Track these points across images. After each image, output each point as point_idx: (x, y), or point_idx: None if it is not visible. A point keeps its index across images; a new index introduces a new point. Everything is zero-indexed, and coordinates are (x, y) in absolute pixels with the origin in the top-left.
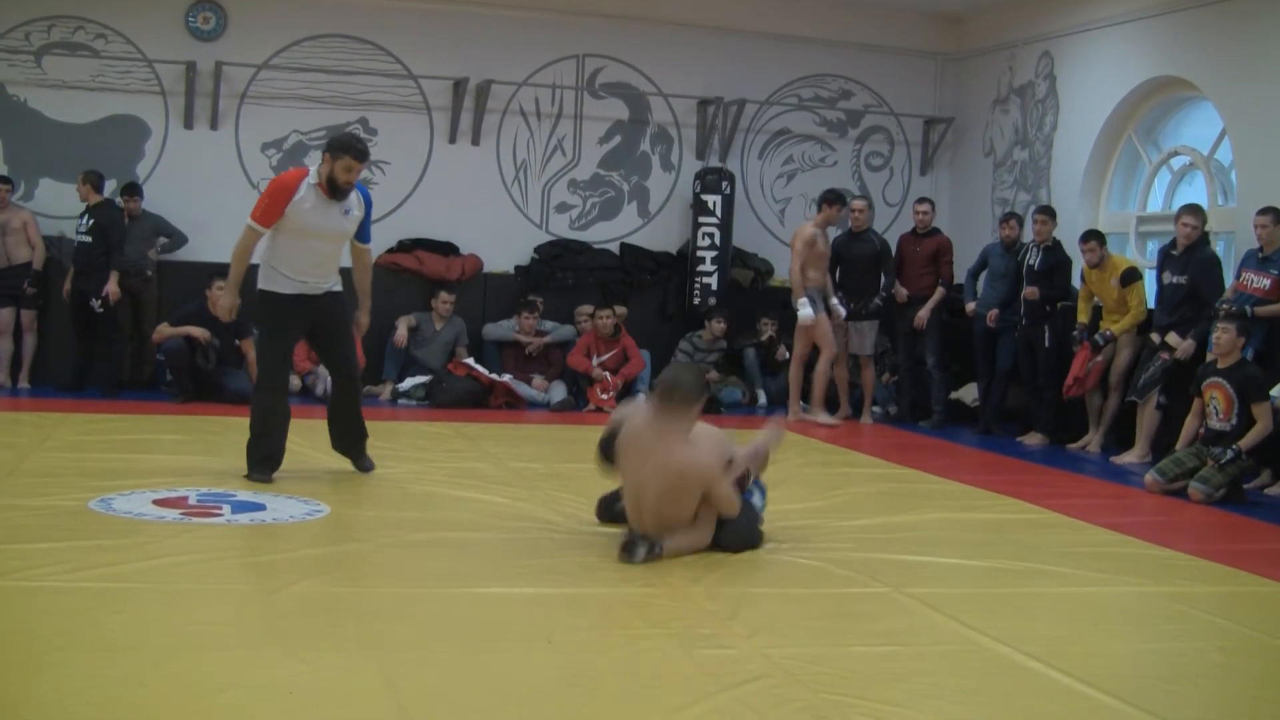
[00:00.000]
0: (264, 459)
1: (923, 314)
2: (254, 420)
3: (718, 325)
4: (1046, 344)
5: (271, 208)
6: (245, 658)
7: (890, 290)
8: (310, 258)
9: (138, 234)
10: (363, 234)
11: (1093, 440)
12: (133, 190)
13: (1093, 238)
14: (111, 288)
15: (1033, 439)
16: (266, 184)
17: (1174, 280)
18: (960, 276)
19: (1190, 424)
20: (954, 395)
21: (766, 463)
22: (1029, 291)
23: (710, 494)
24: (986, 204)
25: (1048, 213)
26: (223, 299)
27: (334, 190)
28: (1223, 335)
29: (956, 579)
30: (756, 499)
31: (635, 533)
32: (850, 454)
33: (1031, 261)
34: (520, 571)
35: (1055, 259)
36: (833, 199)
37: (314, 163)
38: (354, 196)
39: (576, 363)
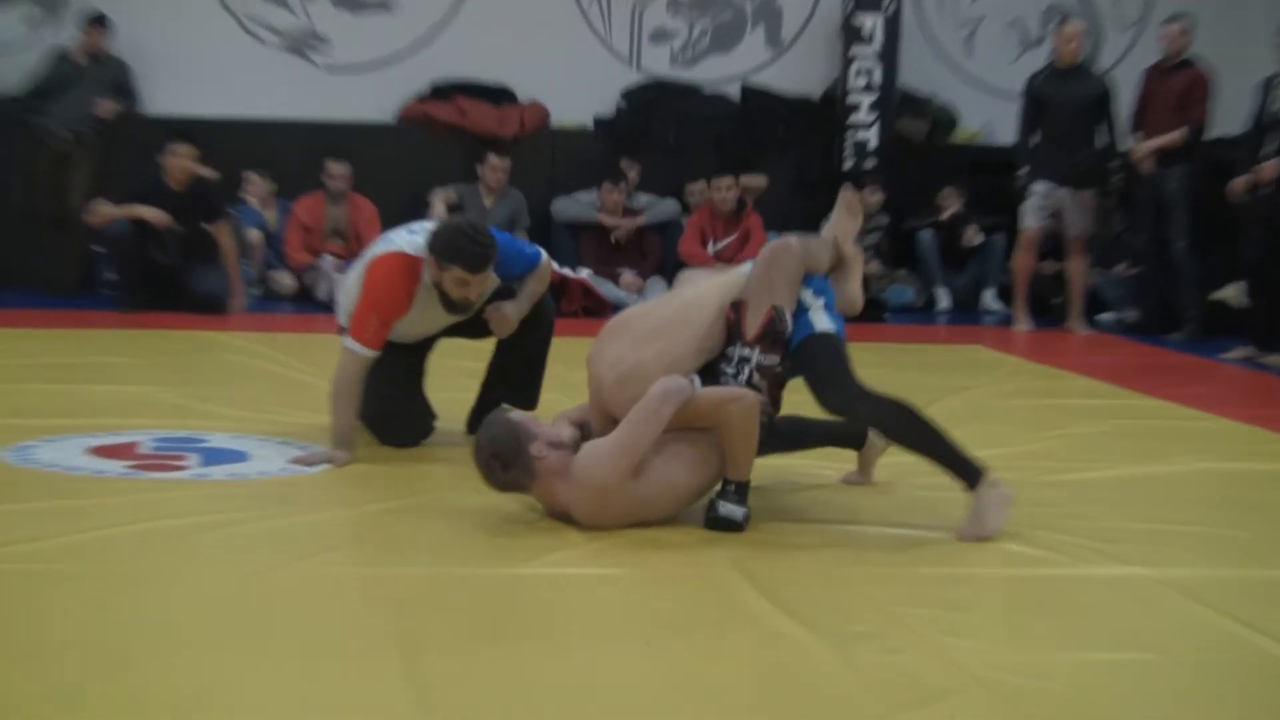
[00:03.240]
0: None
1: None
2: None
3: (874, 196)
4: None
5: (382, 328)
6: (221, 663)
7: (1113, 148)
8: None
9: (91, 83)
10: (515, 270)
11: None
12: (101, 23)
13: None
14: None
15: None
16: (364, 271)
17: None
18: (1227, 123)
19: None
20: (1215, 295)
21: (829, 263)
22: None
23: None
24: (1262, 20)
25: None
26: (334, 455)
27: (450, 305)
28: None
29: (1228, 558)
30: (821, 319)
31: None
32: (1068, 377)
33: None
34: (595, 540)
35: None
36: None
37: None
38: None
39: (687, 251)
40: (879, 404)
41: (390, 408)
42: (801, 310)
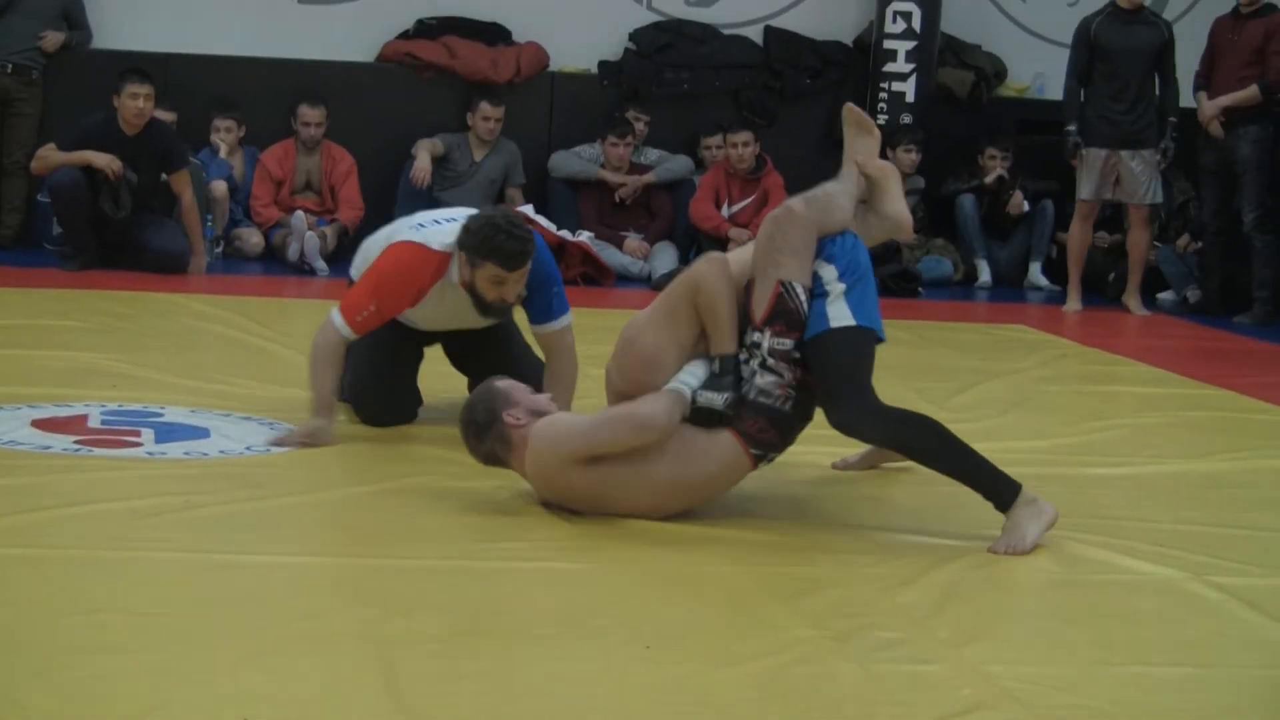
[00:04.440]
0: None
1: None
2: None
3: (908, 155)
4: None
5: (375, 317)
6: (177, 663)
7: (1175, 103)
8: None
9: (33, 8)
10: (540, 313)
11: None
12: None
13: None
14: None
15: None
16: (376, 254)
17: None
18: None
19: None
20: None
21: (853, 204)
22: None
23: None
24: None
25: None
26: (314, 427)
27: (483, 308)
28: None
29: None
30: (840, 310)
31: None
32: (1122, 362)
33: None
34: (591, 534)
35: None
36: None
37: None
38: None
39: (699, 213)
40: (893, 421)
41: (374, 380)
42: (819, 294)
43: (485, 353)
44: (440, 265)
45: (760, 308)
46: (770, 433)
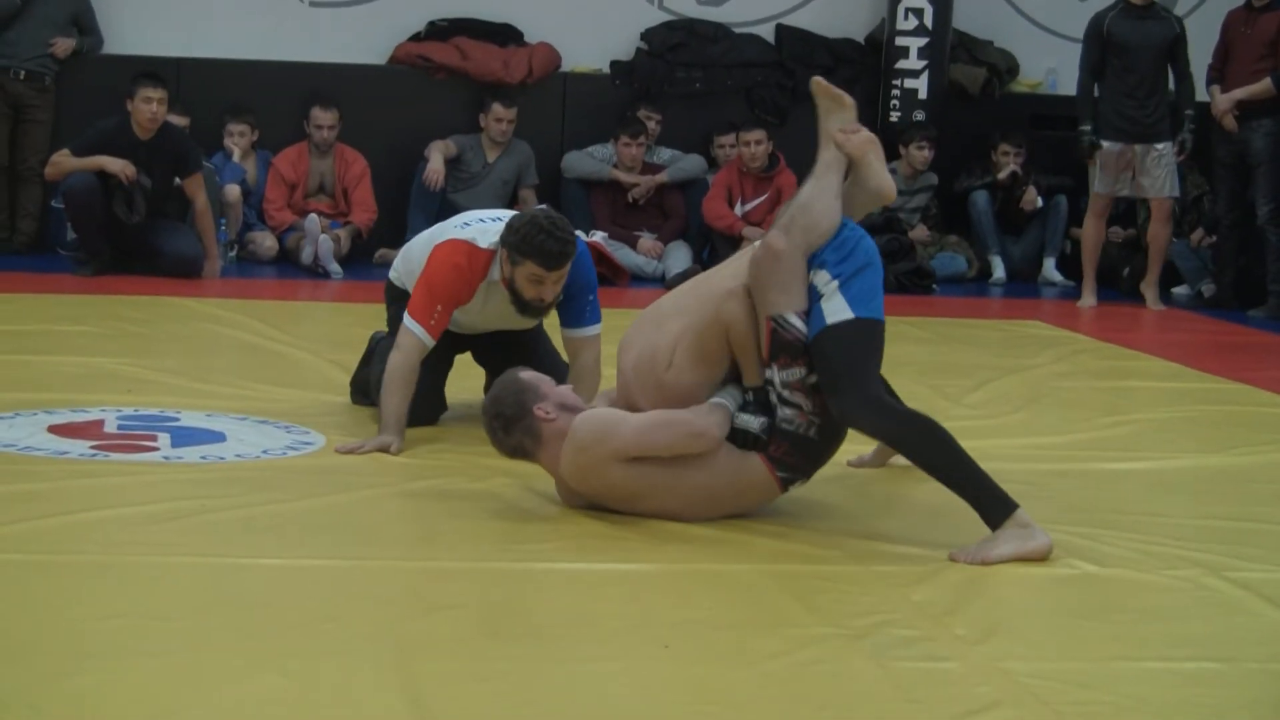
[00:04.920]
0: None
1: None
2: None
3: (920, 152)
4: None
5: (445, 315)
6: (194, 667)
7: (1190, 96)
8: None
9: (44, 16)
10: (573, 317)
11: None
12: None
13: None
14: None
15: None
16: (420, 255)
17: None
18: None
19: None
20: None
21: (836, 194)
22: None
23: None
24: None
25: None
26: (382, 442)
27: (521, 306)
28: None
29: None
30: (836, 306)
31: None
32: (1137, 357)
33: None
34: (608, 534)
35: None
36: None
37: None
38: None
39: (712, 212)
40: (890, 415)
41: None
42: (814, 299)
43: (513, 351)
44: (486, 262)
45: (763, 346)
46: (795, 457)
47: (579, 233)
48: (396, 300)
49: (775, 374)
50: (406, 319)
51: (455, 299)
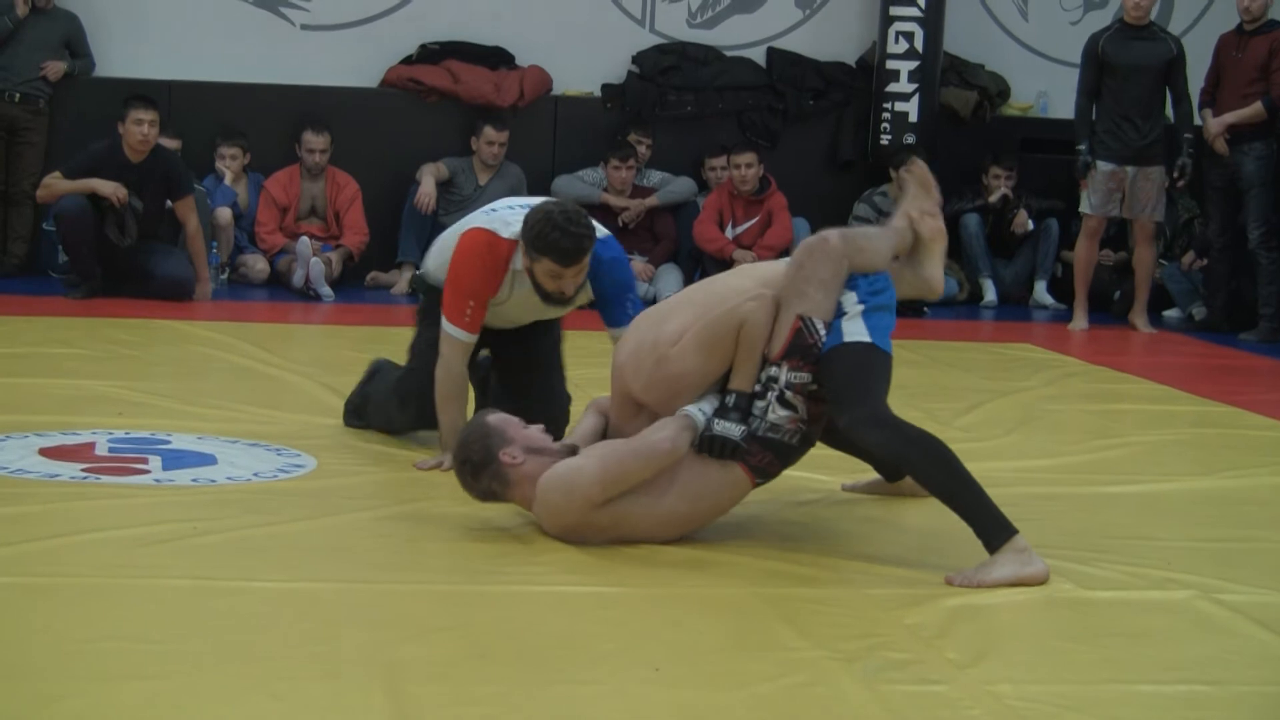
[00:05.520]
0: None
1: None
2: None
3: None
4: None
5: (479, 309)
6: (185, 690)
7: (1189, 118)
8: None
9: (36, 39)
10: (617, 318)
11: None
12: None
13: None
14: None
15: None
16: (451, 242)
17: None
18: None
19: None
20: None
21: (892, 255)
22: None
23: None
24: None
25: None
26: (447, 462)
27: (544, 296)
28: None
29: None
30: (855, 328)
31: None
32: (1128, 380)
33: None
34: (599, 557)
35: None
36: None
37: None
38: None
39: (702, 235)
40: (897, 431)
41: (428, 387)
42: (837, 315)
43: (530, 369)
44: (509, 252)
45: (779, 341)
46: (776, 465)
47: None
48: (426, 293)
49: (783, 373)
50: (444, 324)
51: (483, 292)
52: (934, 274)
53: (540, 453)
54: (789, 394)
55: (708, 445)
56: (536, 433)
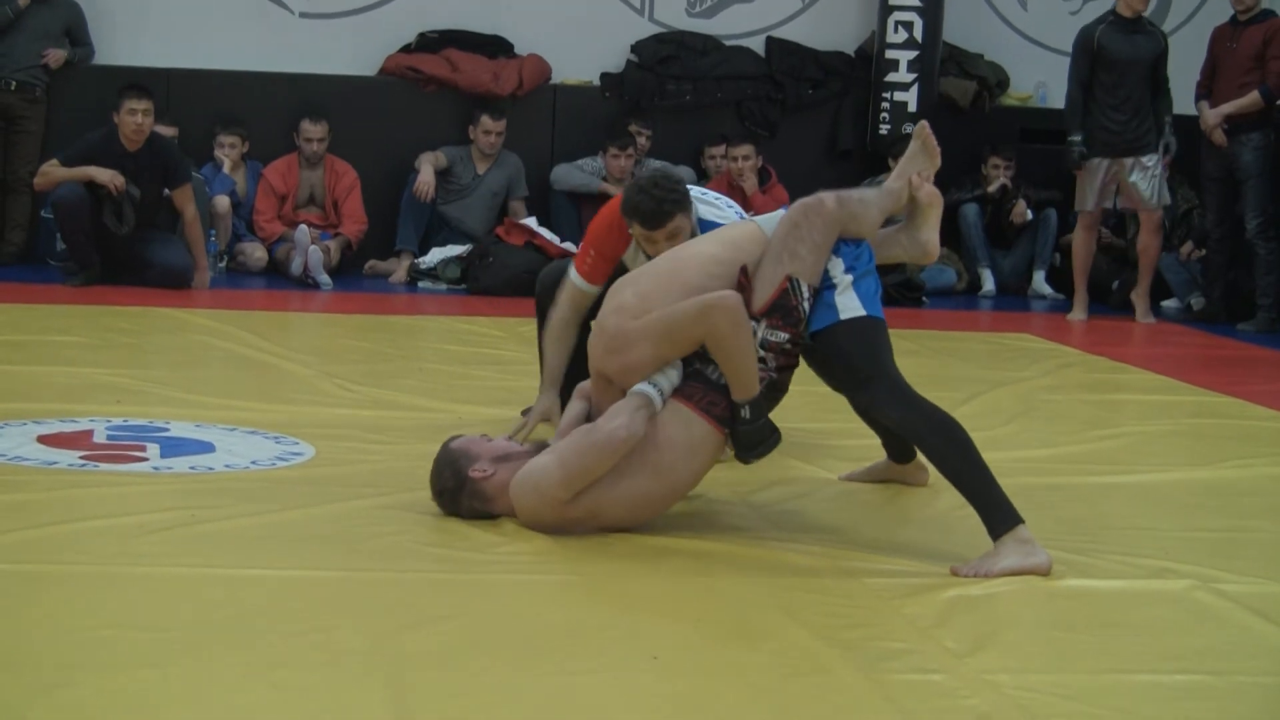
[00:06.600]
0: None
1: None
2: None
3: None
4: None
5: (600, 261)
6: (184, 678)
7: (1166, 106)
8: None
9: (38, 27)
10: None
11: None
12: None
13: None
14: None
15: None
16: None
17: None
18: None
19: None
20: None
21: (884, 217)
22: None
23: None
24: None
25: None
26: (545, 408)
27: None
28: None
29: None
30: (850, 302)
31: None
32: (1127, 370)
33: None
34: (595, 545)
35: None
36: None
37: None
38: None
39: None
40: (918, 409)
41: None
42: (827, 288)
43: None
44: None
45: (762, 297)
46: (722, 405)
47: (568, 244)
48: None
49: (760, 329)
50: (569, 269)
51: (604, 246)
52: (930, 238)
53: (507, 458)
54: (761, 351)
55: (743, 459)
56: (501, 442)
